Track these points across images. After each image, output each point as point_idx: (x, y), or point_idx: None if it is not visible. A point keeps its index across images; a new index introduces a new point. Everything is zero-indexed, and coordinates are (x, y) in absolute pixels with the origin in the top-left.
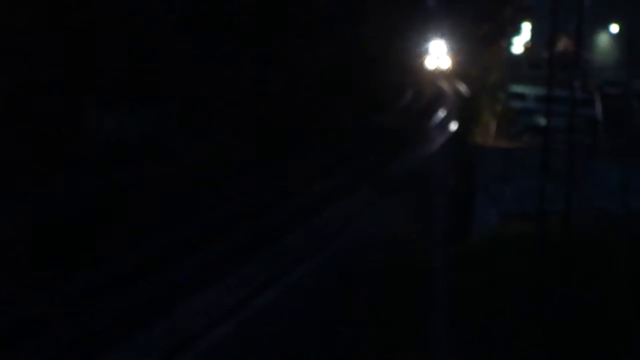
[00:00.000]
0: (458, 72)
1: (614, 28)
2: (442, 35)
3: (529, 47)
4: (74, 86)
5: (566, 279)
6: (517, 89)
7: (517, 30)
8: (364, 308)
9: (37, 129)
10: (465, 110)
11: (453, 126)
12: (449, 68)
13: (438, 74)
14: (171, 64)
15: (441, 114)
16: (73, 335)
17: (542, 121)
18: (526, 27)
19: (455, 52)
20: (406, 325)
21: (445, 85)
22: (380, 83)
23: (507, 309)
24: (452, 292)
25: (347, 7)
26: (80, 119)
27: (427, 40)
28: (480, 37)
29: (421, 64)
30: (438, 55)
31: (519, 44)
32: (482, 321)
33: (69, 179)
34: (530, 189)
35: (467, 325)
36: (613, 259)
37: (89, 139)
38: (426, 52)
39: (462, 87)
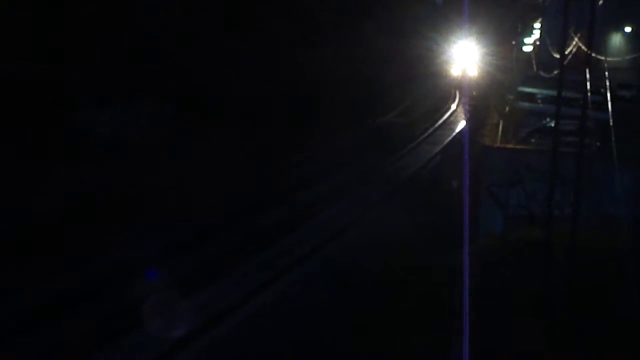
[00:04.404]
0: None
1: (628, 29)
2: (461, 37)
3: (539, 47)
4: (70, 81)
5: (571, 289)
6: (527, 89)
7: (528, 30)
8: None
9: (31, 123)
10: (472, 110)
11: (459, 127)
12: (475, 76)
13: (461, 80)
14: (170, 61)
15: (447, 114)
16: None
17: (551, 123)
18: (537, 26)
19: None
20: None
21: (452, 86)
22: (382, 83)
23: (511, 325)
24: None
25: (350, 7)
26: (76, 113)
27: (439, 41)
28: (491, 37)
29: (428, 63)
30: (464, 60)
31: (529, 44)
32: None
33: (63, 173)
34: (537, 192)
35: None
36: (619, 266)
37: (84, 134)
38: (442, 53)
39: (471, 87)
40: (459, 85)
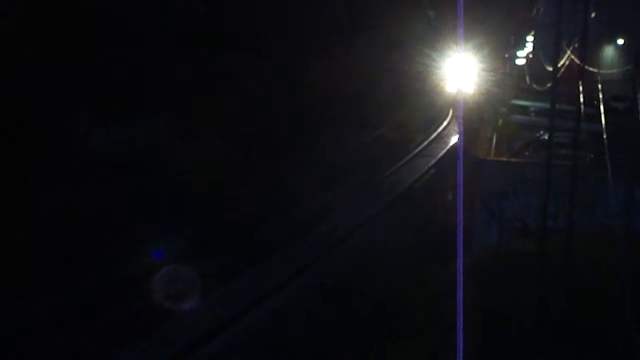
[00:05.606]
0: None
1: (620, 41)
2: (456, 51)
3: (532, 60)
4: (62, 96)
5: (568, 303)
6: (520, 102)
7: (521, 43)
8: None
9: (23, 140)
10: (466, 124)
11: (453, 141)
12: (469, 90)
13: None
14: (163, 74)
15: (441, 128)
16: None
17: (544, 136)
18: (530, 40)
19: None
20: None
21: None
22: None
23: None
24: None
25: (344, 20)
26: (68, 129)
27: (433, 56)
28: (485, 51)
29: (423, 78)
30: (458, 75)
31: (522, 57)
32: None
33: (56, 190)
34: (531, 205)
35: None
36: (614, 277)
37: (77, 150)
38: (437, 68)
39: (464, 101)
40: (453, 99)
